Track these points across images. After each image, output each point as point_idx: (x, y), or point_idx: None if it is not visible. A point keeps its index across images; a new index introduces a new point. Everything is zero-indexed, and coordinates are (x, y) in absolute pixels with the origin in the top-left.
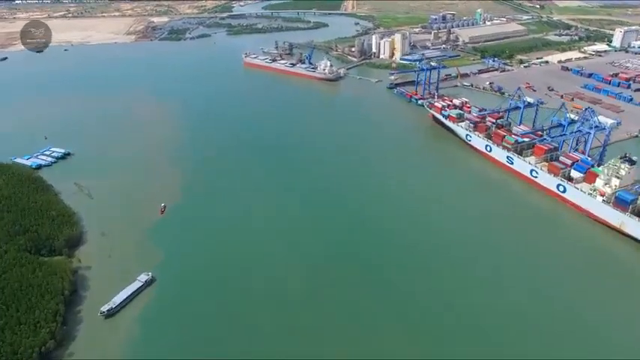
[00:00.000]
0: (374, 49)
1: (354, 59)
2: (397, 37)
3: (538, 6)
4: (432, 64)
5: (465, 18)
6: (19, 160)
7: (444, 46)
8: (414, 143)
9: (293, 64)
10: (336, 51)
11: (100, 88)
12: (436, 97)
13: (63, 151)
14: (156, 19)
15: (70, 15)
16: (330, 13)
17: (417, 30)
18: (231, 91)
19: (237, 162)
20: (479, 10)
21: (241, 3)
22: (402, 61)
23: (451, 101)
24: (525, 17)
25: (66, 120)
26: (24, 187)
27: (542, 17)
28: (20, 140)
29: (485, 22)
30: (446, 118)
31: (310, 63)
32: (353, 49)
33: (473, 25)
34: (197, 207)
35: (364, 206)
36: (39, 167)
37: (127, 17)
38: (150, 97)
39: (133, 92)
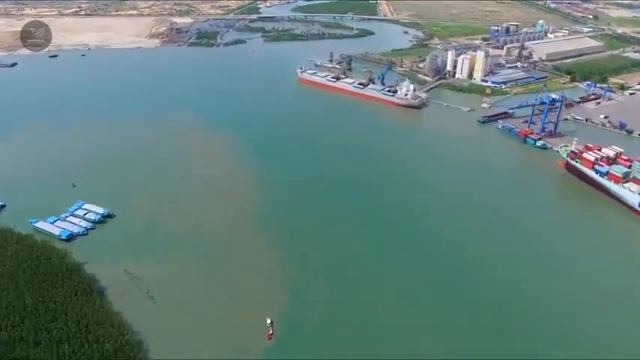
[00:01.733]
0: (448, 67)
1: (427, 78)
2: (479, 55)
3: (591, 16)
4: (553, 96)
5: (525, 30)
6: (41, 226)
7: (519, 64)
8: (550, 205)
9: (363, 85)
10: (402, 67)
11: (132, 109)
12: (575, 145)
13: (101, 211)
14: (178, 20)
15: (82, 13)
16: (369, 19)
17: (477, 42)
18: (292, 117)
19: (344, 230)
20: (541, 22)
21: (267, 4)
22: (483, 83)
23: (599, 150)
24: (586, 29)
25: (95, 157)
26: (57, 287)
27: (603, 29)
28: (40, 189)
29: (547, 35)
30: (603, 176)
31: (383, 83)
32: (421, 66)
33: (540, 38)
34: (319, 322)
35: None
36: (70, 237)
37: (146, 17)
38: (196, 125)
39: (173, 116)
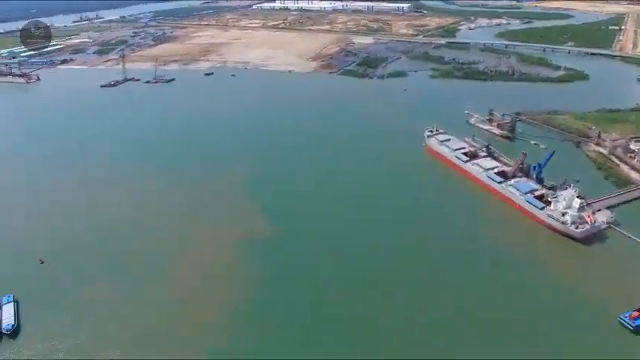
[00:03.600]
0: None
1: (635, 175)
2: None
3: None
4: None
5: None
6: None
7: None
8: None
9: (505, 176)
10: (597, 145)
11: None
12: None
13: None
14: (358, 40)
15: (282, 25)
16: (592, 54)
17: None
18: (381, 221)
19: None
20: None
21: (472, 25)
22: None
23: None
24: None
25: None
26: None
27: None
28: None
29: None
30: None
31: (540, 178)
32: (636, 149)
33: None
34: None
35: None
36: None
37: (332, 33)
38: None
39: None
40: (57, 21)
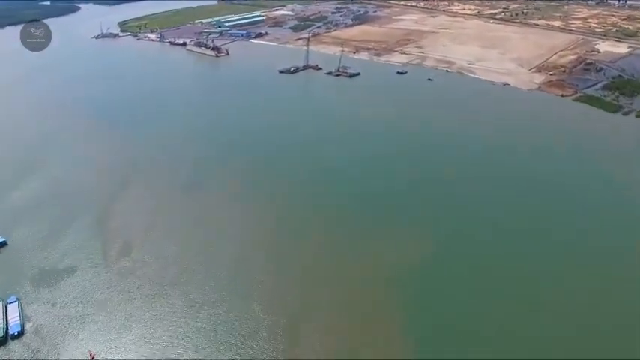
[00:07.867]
0: None
1: None
2: None
3: None
4: None
5: None
6: None
7: None
8: None
9: None
10: None
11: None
12: None
13: None
14: (604, 47)
15: (500, 15)
16: None
17: None
18: None
19: None
20: None
21: None
22: None
23: None
24: None
25: None
26: None
27: None
28: None
29: None
30: None
31: None
32: None
33: None
34: None
35: None
36: None
37: (566, 33)
38: None
39: None
40: None
